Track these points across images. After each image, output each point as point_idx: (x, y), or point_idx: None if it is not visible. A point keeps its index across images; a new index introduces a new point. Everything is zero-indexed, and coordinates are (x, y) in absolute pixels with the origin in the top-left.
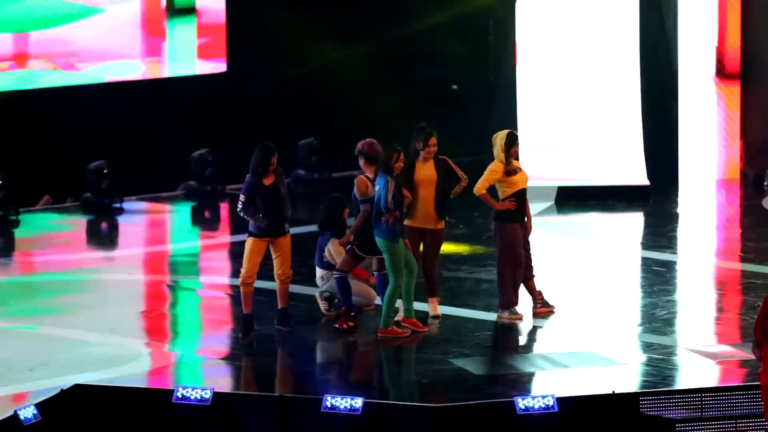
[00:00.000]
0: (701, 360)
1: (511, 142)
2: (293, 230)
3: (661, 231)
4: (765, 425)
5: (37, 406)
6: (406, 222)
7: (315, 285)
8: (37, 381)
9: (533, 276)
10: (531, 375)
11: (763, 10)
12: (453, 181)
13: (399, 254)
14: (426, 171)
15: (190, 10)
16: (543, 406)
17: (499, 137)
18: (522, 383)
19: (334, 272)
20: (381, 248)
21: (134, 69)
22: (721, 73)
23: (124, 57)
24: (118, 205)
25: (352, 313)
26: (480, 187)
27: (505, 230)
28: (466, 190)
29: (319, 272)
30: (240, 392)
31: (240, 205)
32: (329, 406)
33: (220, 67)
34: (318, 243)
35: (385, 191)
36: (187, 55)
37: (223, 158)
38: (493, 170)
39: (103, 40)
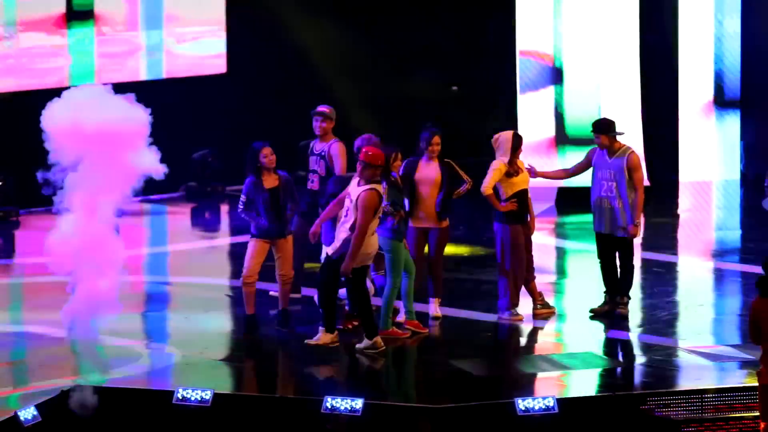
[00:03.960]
0: (702, 361)
1: (517, 143)
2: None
3: (661, 231)
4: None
5: (37, 406)
6: (410, 223)
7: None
8: (37, 381)
9: (534, 277)
10: (531, 376)
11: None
12: (457, 183)
13: (400, 254)
14: (428, 170)
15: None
16: (543, 407)
17: (504, 138)
18: (522, 384)
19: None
20: (383, 247)
21: None
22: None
23: None
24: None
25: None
26: (487, 187)
27: (506, 231)
28: (469, 191)
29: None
30: (240, 393)
31: (241, 206)
32: (330, 407)
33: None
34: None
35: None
36: None
37: (223, 159)
38: (498, 169)
39: None
